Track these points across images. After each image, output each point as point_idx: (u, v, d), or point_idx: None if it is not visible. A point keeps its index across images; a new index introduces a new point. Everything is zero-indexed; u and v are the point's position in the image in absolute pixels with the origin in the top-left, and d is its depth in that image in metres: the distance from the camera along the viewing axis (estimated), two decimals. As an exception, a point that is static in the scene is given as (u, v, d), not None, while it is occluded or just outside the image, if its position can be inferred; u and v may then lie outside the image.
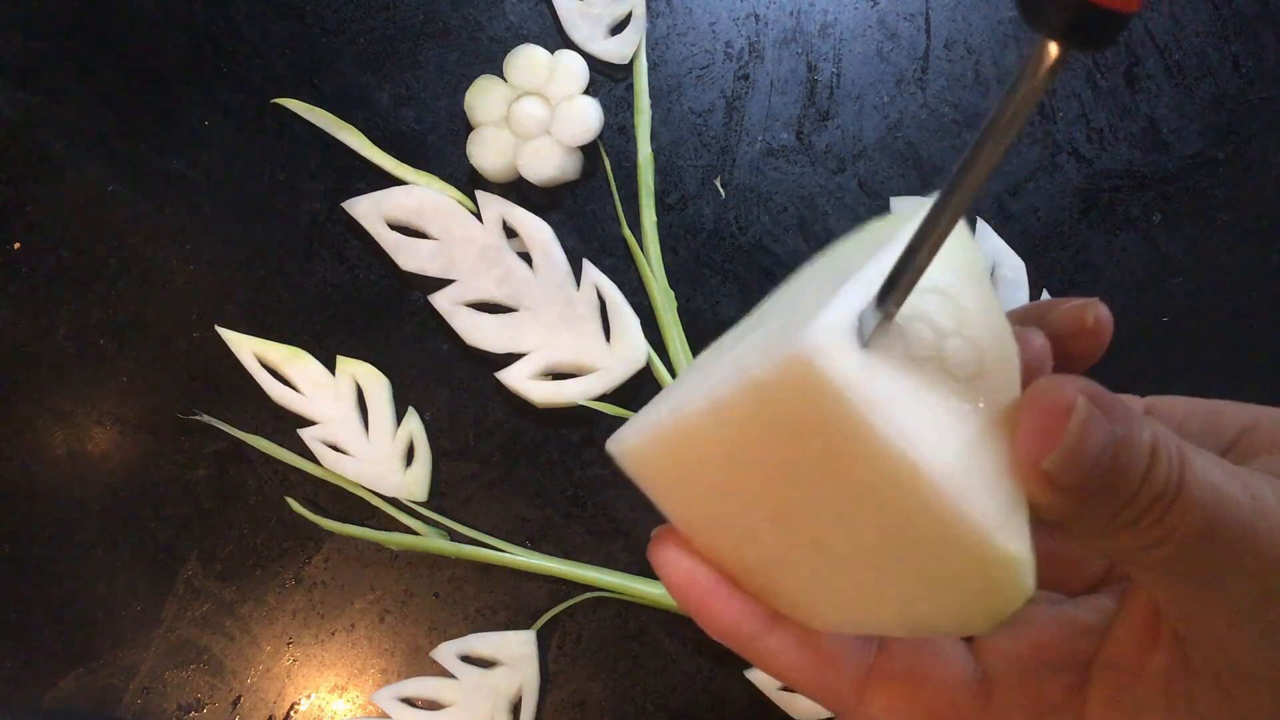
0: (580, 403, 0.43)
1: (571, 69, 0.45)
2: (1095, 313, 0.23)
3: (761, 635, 0.23)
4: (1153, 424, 0.19)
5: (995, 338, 0.21)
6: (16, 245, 0.46)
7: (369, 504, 0.44)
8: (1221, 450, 0.24)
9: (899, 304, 0.19)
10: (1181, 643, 0.20)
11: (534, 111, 0.45)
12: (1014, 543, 0.19)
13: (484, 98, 0.45)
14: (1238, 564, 0.19)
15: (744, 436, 0.20)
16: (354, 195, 0.45)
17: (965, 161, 0.18)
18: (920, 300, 0.20)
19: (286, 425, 0.44)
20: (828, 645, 0.22)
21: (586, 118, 0.45)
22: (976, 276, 0.22)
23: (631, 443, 0.22)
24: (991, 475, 0.19)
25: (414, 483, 0.43)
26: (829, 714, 0.41)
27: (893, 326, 0.20)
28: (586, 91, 0.46)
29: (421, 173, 0.45)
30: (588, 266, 0.44)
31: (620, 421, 0.43)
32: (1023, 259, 0.45)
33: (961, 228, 0.21)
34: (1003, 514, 0.19)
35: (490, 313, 0.44)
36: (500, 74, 0.46)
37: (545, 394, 0.43)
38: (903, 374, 0.20)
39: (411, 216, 0.45)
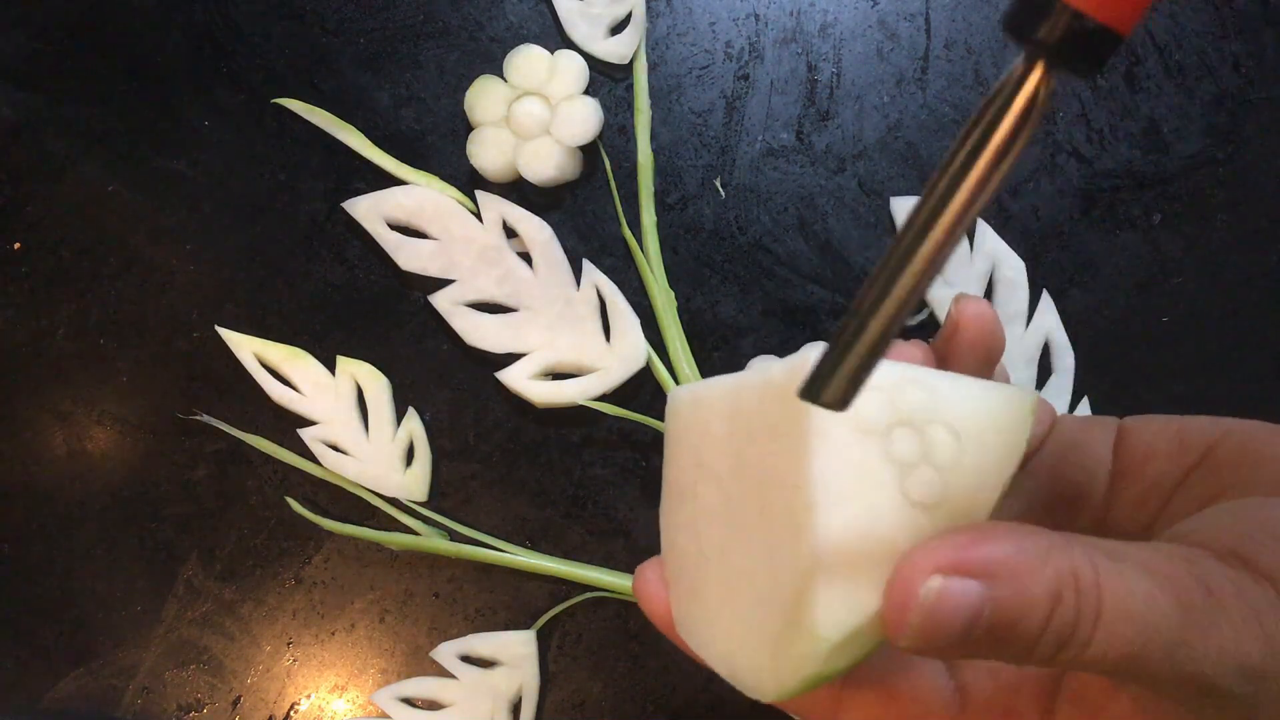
0: (580, 403, 0.43)
1: (571, 69, 0.45)
2: (959, 307, 0.23)
3: None
4: (1061, 558, 0.18)
5: (974, 486, 0.20)
6: (16, 245, 0.46)
7: (369, 504, 0.44)
8: (1188, 468, 0.24)
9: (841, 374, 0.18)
10: (1142, 701, 0.20)
11: (534, 111, 0.45)
12: (826, 628, 0.19)
13: (484, 98, 0.45)
14: (1171, 675, 0.18)
15: (736, 418, 0.22)
16: (354, 195, 0.45)
17: (923, 200, 0.17)
18: (929, 431, 0.20)
19: (286, 425, 0.44)
20: None
21: (586, 118, 0.45)
22: (999, 437, 0.21)
23: (681, 395, 0.25)
24: (870, 575, 0.19)
25: (414, 483, 0.43)
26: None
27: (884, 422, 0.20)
28: (586, 91, 0.46)
29: (421, 173, 0.45)
30: (588, 266, 0.44)
31: (620, 421, 0.44)
32: (1023, 259, 0.45)
33: (1026, 407, 0.21)
34: (845, 605, 0.19)
35: (490, 313, 0.44)
36: (500, 74, 0.46)
37: (545, 394, 0.43)
38: (875, 449, 0.20)
39: (411, 216, 0.45)
